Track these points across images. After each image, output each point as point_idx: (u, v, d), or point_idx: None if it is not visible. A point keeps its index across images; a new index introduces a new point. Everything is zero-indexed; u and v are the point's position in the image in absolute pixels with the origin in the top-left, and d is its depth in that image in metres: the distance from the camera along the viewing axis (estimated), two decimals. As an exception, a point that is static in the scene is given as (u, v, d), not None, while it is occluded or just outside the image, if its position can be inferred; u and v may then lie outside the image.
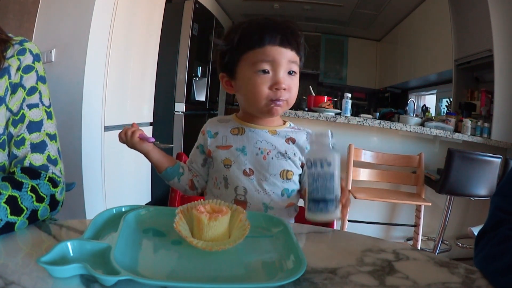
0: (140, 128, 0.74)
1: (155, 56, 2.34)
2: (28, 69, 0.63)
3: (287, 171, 0.72)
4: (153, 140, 0.72)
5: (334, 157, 0.53)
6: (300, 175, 0.76)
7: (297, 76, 0.72)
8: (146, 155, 0.75)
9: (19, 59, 0.62)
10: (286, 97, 0.69)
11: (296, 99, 0.74)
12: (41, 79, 0.65)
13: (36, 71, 0.64)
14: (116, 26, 1.82)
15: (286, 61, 0.68)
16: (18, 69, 0.62)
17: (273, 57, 0.67)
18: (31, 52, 0.64)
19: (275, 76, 0.68)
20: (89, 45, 1.63)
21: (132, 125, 0.74)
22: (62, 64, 1.66)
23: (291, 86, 0.70)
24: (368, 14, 4.20)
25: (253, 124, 0.75)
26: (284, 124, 0.78)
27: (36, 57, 0.65)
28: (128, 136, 0.72)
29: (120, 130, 0.74)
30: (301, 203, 0.80)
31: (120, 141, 0.74)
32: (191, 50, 2.67)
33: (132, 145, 0.73)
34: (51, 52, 1.66)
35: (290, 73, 0.69)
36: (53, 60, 1.67)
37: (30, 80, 0.63)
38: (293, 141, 0.74)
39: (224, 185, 0.74)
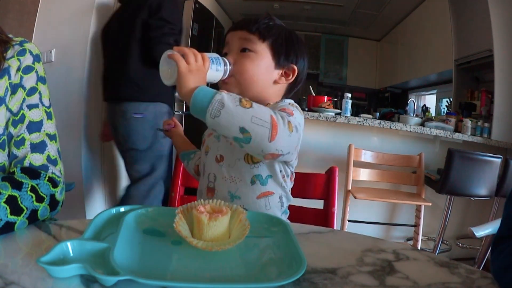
0: (178, 122, 0.91)
1: (155, 56, 2.33)
2: (28, 69, 0.63)
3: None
4: (169, 127, 0.90)
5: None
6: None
7: (256, 55, 0.69)
8: (171, 138, 0.92)
9: (19, 60, 0.62)
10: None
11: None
12: (41, 79, 0.65)
13: (36, 72, 0.64)
14: (116, 26, 1.82)
15: (236, 39, 0.71)
16: (18, 69, 0.62)
17: (227, 40, 0.72)
18: (31, 52, 0.64)
19: (228, 53, 0.71)
20: (89, 45, 1.63)
21: (172, 119, 0.91)
22: (62, 64, 1.66)
23: (238, 61, 0.68)
24: (368, 14, 4.20)
25: None
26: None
27: (36, 58, 0.65)
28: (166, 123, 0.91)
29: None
30: (306, 203, 0.80)
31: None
32: (191, 50, 2.66)
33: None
34: (51, 52, 1.66)
35: (244, 50, 0.69)
36: (53, 60, 1.67)
37: (30, 80, 0.63)
38: None
39: (203, 172, 0.76)
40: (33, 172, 0.58)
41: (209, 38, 3.14)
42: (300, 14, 4.45)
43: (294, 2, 4.09)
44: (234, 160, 0.69)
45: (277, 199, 0.71)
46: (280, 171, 0.69)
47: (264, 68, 0.70)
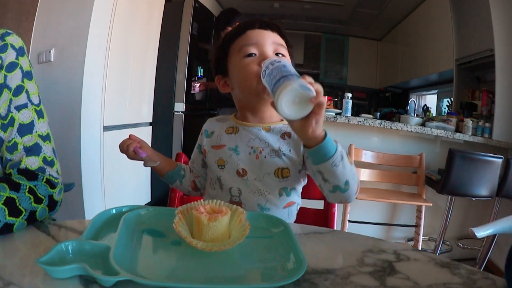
0: (137, 139, 0.75)
1: (155, 56, 2.33)
2: (11, 66, 0.58)
3: (282, 169, 0.69)
4: (144, 155, 0.73)
5: (281, 59, 0.56)
6: (300, 170, 0.72)
7: (287, 60, 0.70)
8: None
9: (0, 57, 0.57)
10: None
11: None
12: (26, 75, 0.60)
13: (21, 68, 0.59)
14: (115, 25, 1.82)
15: (270, 42, 0.68)
16: (0, 68, 0.57)
17: (256, 40, 0.68)
18: (13, 47, 0.58)
19: (262, 55, 0.68)
20: (88, 44, 1.63)
21: (129, 136, 0.75)
22: (61, 63, 1.66)
23: None
24: (369, 14, 4.19)
25: (247, 123, 0.73)
26: (281, 120, 0.75)
27: (20, 51, 0.59)
28: (125, 150, 0.74)
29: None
30: (306, 203, 0.80)
31: (120, 151, 0.76)
32: (191, 49, 2.67)
33: (129, 157, 0.75)
34: (50, 51, 1.66)
35: (277, 55, 0.69)
36: (52, 59, 1.66)
37: (14, 79, 0.58)
38: (289, 135, 0.71)
39: (219, 186, 0.72)
40: (30, 173, 0.57)
41: (209, 37, 3.14)
42: (300, 14, 4.44)
43: (294, 2, 4.08)
44: (262, 175, 0.69)
45: (296, 207, 0.75)
46: (301, 184, 0.74)
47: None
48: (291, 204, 0.73)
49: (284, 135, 0.72)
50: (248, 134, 0.72)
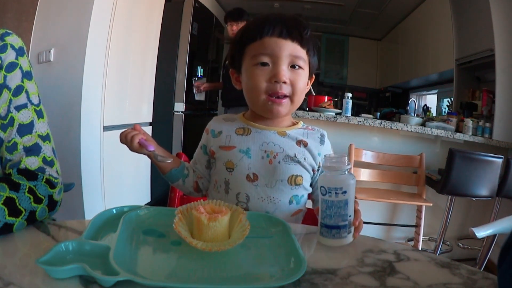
0: (142, 130, 0.69)
1: (155, 56, 2.33)
2: (11, 67, 0.58)
3: (296, 176, 0.67)
4: (152, 149, 0.67)
5: (349, 184, 0.52)
6: (311, 177, 0.71)
7: (304, 72, 0.67)
8: (149, 157, 0.70)
9: (0, 57, 0.57)
10: (287, 92, 0.65)
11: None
12: (26, 75, 0.60)
13: (21, 68, 0.59)
14: (115, 25, 1.82)
15: (287, 54, 0.64)
16: (0, 68, 0.57)
17: (272, 50, 0.64)
18: (13, 47, 0.58)
19: (274, 69, 0.64)
20: (88, 44, 1.63)
21: (134, 127, 0.68)
22: (60, 63, 1.66)
23: (293, 80, 0.65)
24: (369, 14, 4.19)
25: (260, 125, 0.70)
26: (295, 125, 0.73)
27: (20, 51, 0.59)
28: (128, 141, 0.67)
29: (119, 130, 0.73)
30: (308, 204, 0.79)
31: (120, 142, 0.69)
32: (191, 49, 2.67)
33: (131, 149, 0.68)
34: (49, 51, 1.66)
35: (294, 67, 0.66)
36: (51, 59, 1.66)
37: (14, 79, 0.58)
38: (305, 144, 0.69)
39: (225, 189, 0.69)
40: (30, 173, 0.57)
41: (209, 37, 3.14)
42: (300, 13, 4.44)
43: (295, 2, 4.08)
44: (274, 181, 0.67)
45: (302, 214, 0.73)
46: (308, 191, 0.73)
47: (305, 82, 0.69)
48: (299, 212, 0.71)
49: (300, 143, 0.69)
50: (262, 137, 0.69)
